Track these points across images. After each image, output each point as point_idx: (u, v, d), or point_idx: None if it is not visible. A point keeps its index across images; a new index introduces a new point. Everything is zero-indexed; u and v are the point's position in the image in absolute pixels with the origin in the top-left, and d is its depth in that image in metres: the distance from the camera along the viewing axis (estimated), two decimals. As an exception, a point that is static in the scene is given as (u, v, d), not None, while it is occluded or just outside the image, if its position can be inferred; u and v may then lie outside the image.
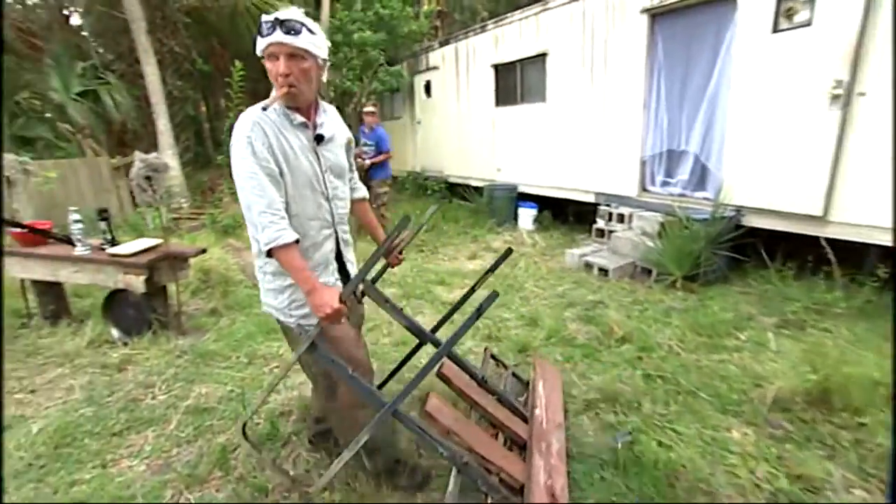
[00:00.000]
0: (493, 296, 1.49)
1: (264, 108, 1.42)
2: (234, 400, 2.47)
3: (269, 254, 1.40)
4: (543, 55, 6.10)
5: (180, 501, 1.83)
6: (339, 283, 1.66)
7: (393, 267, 1.95)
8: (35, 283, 3.40)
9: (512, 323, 3.40)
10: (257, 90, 11.33)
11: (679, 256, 4.00)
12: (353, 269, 1.75)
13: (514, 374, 2.54)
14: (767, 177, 3.91)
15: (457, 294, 3.91)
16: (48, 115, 7.34)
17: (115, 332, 3.19)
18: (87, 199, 6.66)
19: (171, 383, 2.64)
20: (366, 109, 6.10)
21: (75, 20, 9.05)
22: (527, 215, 6.32)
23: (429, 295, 3.93)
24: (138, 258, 3.01)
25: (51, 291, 3.47)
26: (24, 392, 2.72)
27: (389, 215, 6.20)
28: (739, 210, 4.15)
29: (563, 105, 5.96)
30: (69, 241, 3.17)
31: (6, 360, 3.05)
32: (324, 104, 1.63)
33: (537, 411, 2.12)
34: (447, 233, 6.17)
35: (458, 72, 7.94)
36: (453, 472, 1.65)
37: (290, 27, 1.37)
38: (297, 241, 1.43)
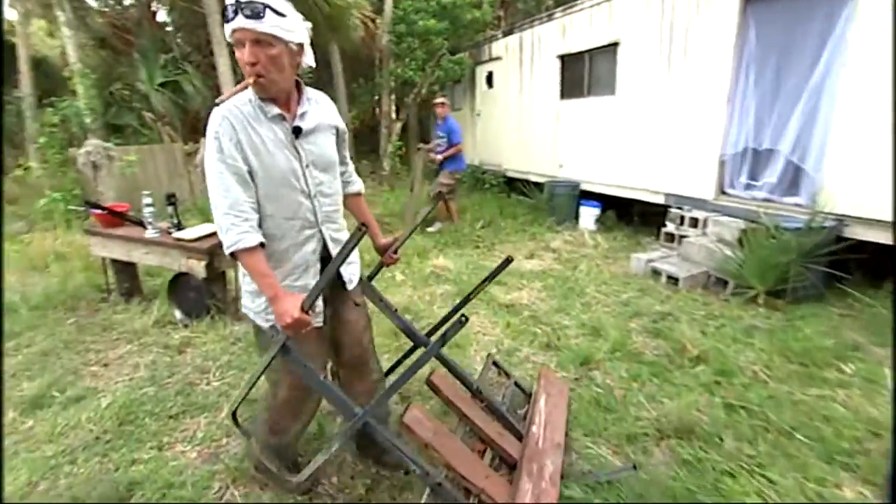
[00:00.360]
0: (461, 322, 1.41)
1: (250, 100, 1.35)
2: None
3: (233, 256, 1.33)
4: (615, 45, 5.71)
5: (225, 496, 1.82)
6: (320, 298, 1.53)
7: (387, 266, 1.85)
8: (113, 261, 3.60)
9: (572, 331, 3.18)
10: (321, 80, 11.66)
11: (762, 269, 3.57)
12: (346, 270, 1.62)
13: (517, 384, 2.34)
14: (881, 182, 3.39)
15: (515, 295, 3.73)
16: (136, 104, 7.85)
17: (177, 314, 3.32)
18: (163, 182, 7.07)
19: (224, 370, 2.68)
20: (436, 100, 6.00)
21: (161, 16, 9.63)
22: (589, 215, 5.98)
23: (485, 295, 3.77)
24: (200, 243, 3.09)
25: (126, 270, 3.67)
26: (98, 365, 2.88)
27: (455, 206, 6.19)
28: (842, 220, 3.64)
29: (634, 98, 5.55)
30: (142, 224, 3.32)
31: (87, 332, 3.25)
32: (310, 92, 1.51)
33: (534, 428, 1.92)
34: (504, 229, 5.96)
35: (522, 62, 7.65)
36: (426, 491, 1.48)
37: (252, 10, 1.23)
38: (261, 245, 1.35)
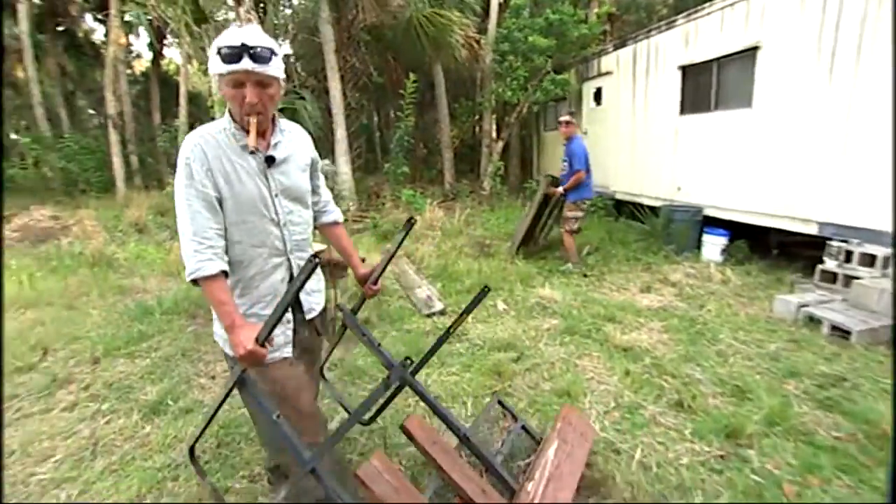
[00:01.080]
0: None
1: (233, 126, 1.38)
2: (375, 433, 2.28)
3: (195, 283, 1.31)
4: (753, 49, 4.96)
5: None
6: (290, 315, 1.52)
7: (369, 298, 1.79)
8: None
9: (707, 388, 2.63)
10: (423, 100, 12.00)
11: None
12: (309, 300, 1.60)
13: (524, 429, 2.03)
14: None
15: (632, 336, 3.23)
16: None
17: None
18: (278, 199, 7.61)
19: (319, 399, 2.58)
20: (560, 118, 5.21)
21: (286, 48, 10.61)
22: (715, 244, 5.19)
23: (597, 333, 3.33)
24: (306, 263, 3.08)
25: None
26: (206, 377, 2.97)
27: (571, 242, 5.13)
28: None
29: (778, 110, 4.74)
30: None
31: (201, 342, 3.42)
32: (283, 123, 1.50)
33: (530, 485, 1.61)
34: (615, 257, 5.39)
35: (636, 76, 7.06)
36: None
37: (259, 56, 1.28)
38: (224, 273, 1.33)
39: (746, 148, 5.11)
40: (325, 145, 9.08)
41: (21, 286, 4.67)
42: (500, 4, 10.05)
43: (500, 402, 2.15)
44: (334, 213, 1.78)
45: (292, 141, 1.52)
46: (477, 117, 11.98)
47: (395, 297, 4.33)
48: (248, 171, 1.40)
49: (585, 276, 4.82)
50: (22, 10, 11.82)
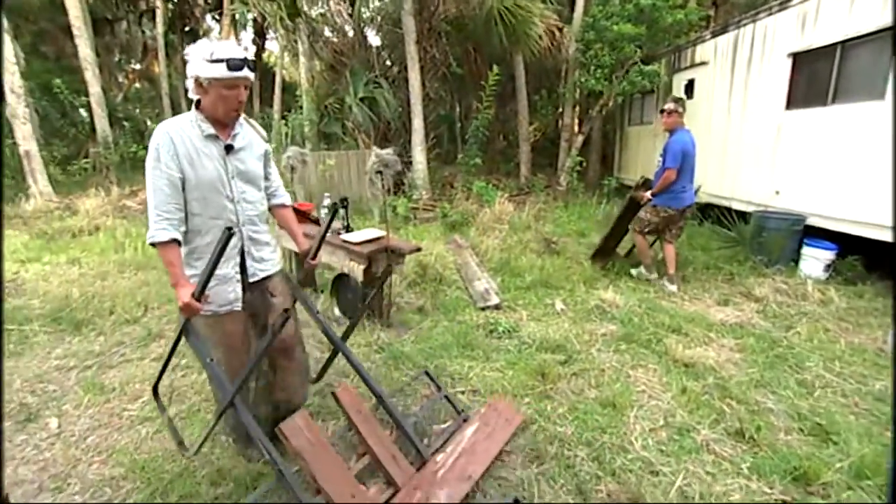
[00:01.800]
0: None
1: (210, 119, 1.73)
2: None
3: (153, 245, 1.63)
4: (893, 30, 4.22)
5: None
6: (237, 276, 1.82)
7: (308, 269, 2.07)
8: (294, 253, 4.05)
9: (780, 420, 2.33)
10: (504, 92, 11.83)
11: None
12: (256, 267, 1.88)
13: (447, 398, 2.24)
14: None
15: (697, 352, 2.95)
16: (341, 116, 9.09)
17: (336, 311, 3.53)
18: (353, 184, 7.97)
19: (358, 380, 2.67)
20: (664, 106, 4.40)
21: (371, 39, 11.00)
22: (818, 258, 4.55)
23: (657, 345, 3.10)
24: (362, 247, 3.20)
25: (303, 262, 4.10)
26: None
27: (645, 249, 4.54)
28: None
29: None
30: (318, 223, 3.63)
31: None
32: (242, 118, 1.82)
33: (440, 457, 1.87)
34: (692, 263, 4.95)
35: (735, 66, 6.36)
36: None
37: (250, 65, 1.66)
38: (175, 241, 1.63)
39: (873, 148, 4.40)
40: (401, 134, 9.31)
41: (136, 252, 5.41)
42: (588, -10, 9.56)
43: (426, 373, 2.37)
44: (283, 197, 2.08)
45: (248, 133, 1.85)
46: (559, 110, 11.57)
47: (453, 288, 4.35)
48: (210, 155, 1.71)
49: (649, 281, 4.49)
50: (159, 14, 13.45)
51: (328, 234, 3.42)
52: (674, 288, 4.27)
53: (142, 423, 2.39)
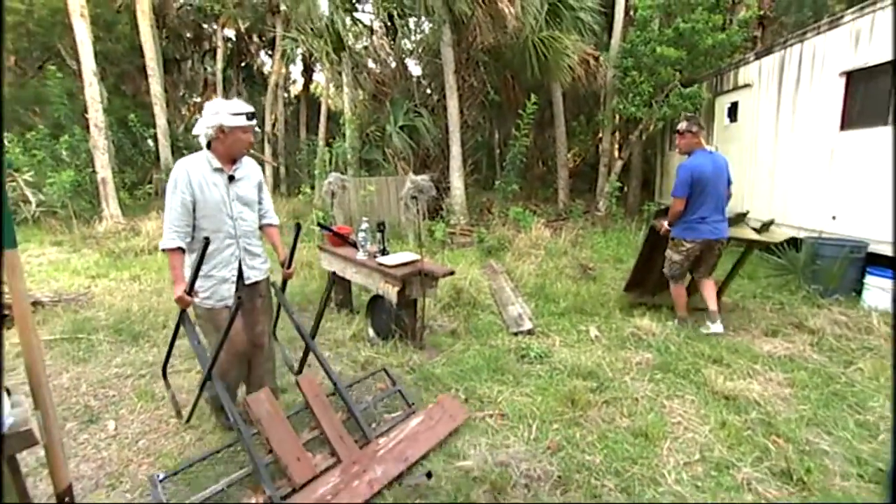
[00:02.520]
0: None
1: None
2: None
3: (164, 251, 2.18)
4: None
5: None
6: (234, 279, 2.32)
7: (287, 279, 2.61)
8: (334, 274, 4.21)
9: (835, 463, 2.16)
10: (542, 118, 11.93)
11: None
12: (250, 273, 2.37)
13: (400, 393, 2.59)
14: None
15: (739, 385, 2.80)
16: (382, 143, 9.45)
17: (370, 332, 3.62)
18: (392, 209, 8.20)
19: (388, 401, 2.72)
20: (679, 126, 3.79)
21: (412, 69, 11.46)
22: (884, 289, 4.23)
23: (695, 375, 2.97)
24: (397, 270, 3.30)
25: (342, 284, 4.25)
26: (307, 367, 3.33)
27: (680, 294, 3.94)
28: None
29: None
30: (356, 246, 3.77)
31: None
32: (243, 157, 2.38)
33: (382, 440, 2.20)
34: (738, 292, 4.73)
35: (782, 87, 6.16)
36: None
37: (255, 117, 2.26)
38: (180, 249, 2.17)
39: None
40: (440, 160, 9.54)
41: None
42: (624, 17, 9.61)
43: (384, 370, 2.76)
44: (271, 219, 2.56)
45: (245, 167, 2.36)
46: (598, 135, 11.53)
47: (486, 312, 4.36)
48: (217, 184, 2.24)
49: (698, 308, 4.31)
50: (219, 53, 14.65)
51: (366, 258, 3.58)
52: (718, 328, 3.66)
53: (185, 431, 2.54)
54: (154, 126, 10.79)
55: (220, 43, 14.59)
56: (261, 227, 2.51)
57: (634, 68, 8.46)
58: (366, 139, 9.53)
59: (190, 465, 2.10)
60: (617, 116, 9.93)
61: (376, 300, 3.61)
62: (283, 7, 12.24)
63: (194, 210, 2.19)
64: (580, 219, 9.11)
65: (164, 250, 2.16)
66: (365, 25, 10.09)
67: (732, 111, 7.44)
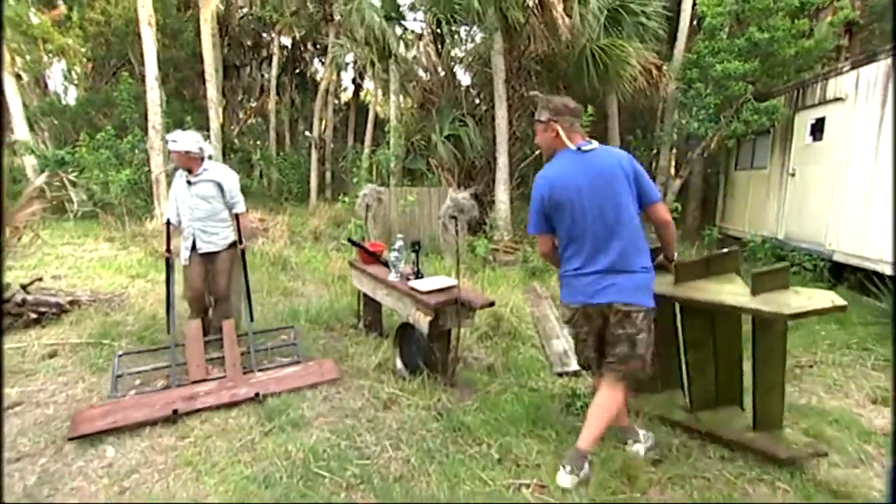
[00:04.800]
0: None
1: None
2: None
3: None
4: None
5: None
6: (190, 247, 3.53)
7: (244, 250, 3.68)
8: (364, 294, 3.92)
9: None
10: (594, 132, 11.32)
11: None
12: (205, 246, 3.51)
13: (295, 344, 3.55)
14: None
15: (851, 475, 2.22)
16: (426, 152, 9.22)
17: (398, 363, 3.27)
18: (433, 222, 7.91)
19: (410, 452, 2.35)
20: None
21: (461, 78, 11.22)
22: None
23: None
24: (430, 297, 2.94)
25: (372, 305, 3.95)
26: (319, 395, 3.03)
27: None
28: None
29: None
30: (388, 266, 3.46)
31: (329, 354, 3.56)
32: (207, 163, 3.51)
33: (260, 373, 3.13)
34: (826, 339, 4.04)
35: (886, 100, 5.36)
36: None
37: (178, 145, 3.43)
38: (169, 222, 3.54)
39: None
40: (485, 172, 9.19)
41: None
42: (690, 26, 8.93)
43: (292, 327, 3.77)
44: (236, 207, 3.58)
45: (209, 172, 3.47)
46: (654, 152, 10.82)
47: (528, 345, 3.93)
48: (185, 186, 3.46)
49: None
50: (275, 60, 15.06)
51: (397, 280, 3.25)
52: (639, 448, 2.34)
53: (178, 469, 2.27)
54: (208, 129, 11.10)
55: (276, 50, 15.00)
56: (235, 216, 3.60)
57: (699, 80, 7.78)
58: (410, 148, 9.34)
59: (138, 351, 3.47)
60: (676, 132, 9.22)
61: (406, 328, 3.27)
62: (336, 16, 12.38)
63: (177, 202, 3.56)
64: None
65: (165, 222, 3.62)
66: (414, 34, 9.97)
67: (817, 128, 6.63)
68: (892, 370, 2.10)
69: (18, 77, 11.16)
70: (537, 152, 13.50)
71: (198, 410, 2.70)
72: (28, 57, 11.71)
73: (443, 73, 9.69)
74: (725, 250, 2.48)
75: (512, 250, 7.26)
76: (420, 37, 9.33)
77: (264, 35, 16.78)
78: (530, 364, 3.53)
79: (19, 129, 10.67)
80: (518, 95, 8.97)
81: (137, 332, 3.90)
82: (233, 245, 3.59)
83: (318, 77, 17.61)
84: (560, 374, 3.41)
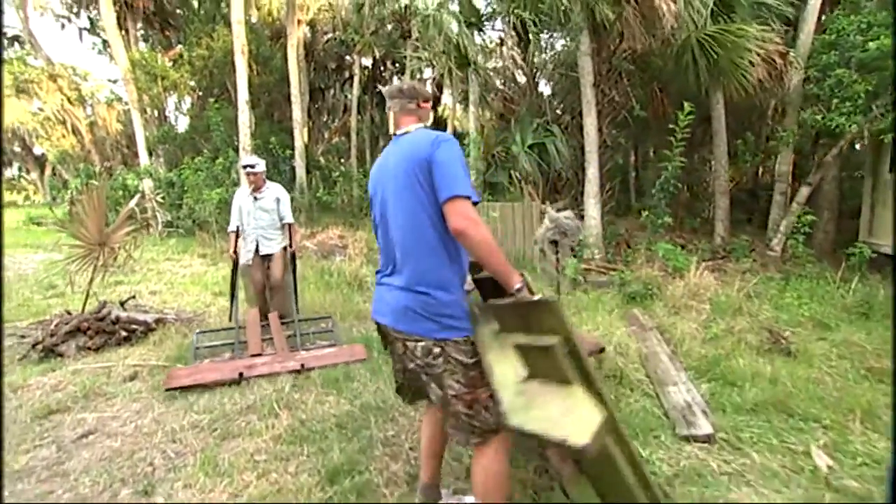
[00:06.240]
0: None
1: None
2: None
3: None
4: None
5: None
6: (254, 249, 4.34)
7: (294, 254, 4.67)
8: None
9: None
10: (692, 136, 10.09)
11: None
12: (265, 248, 4.36)
13: (333, 332, 4.38)
14: None
15: None
16: (507, 165, 8.71)
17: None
18: (518, 239, 7.35)
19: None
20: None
21: (542, 87, 10.61)
22: None
23: None
24: (522, 338, 2.40)
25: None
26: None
27: None
28: None
29: None
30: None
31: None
32: (268, 184, 4.40)
33: (303, 352, 3.86)
34: None
35: None
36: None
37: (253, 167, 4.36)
38: (234, 233, 4.41)
39: None
40: (573, 185, 8.46)
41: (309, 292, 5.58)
42: (822, 2, 7.52)
43: (329, 317, 4.72)
44: (287, 218, 4.48)
45: (269, 190, 4.34)
46: (764, 156, 9.36)
47: (638, 392, 3.21)
48: (250, 199, 4.31)
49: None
50: (356, 80, 15.54)
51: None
52: None
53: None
54: (293, 148, 11.56)
55: (357, 71, 15.46)
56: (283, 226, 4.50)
57: (838, 65, 6.47)
58: (491, 161, 8.88)
59: (212, 330, 4.40)
60: (799, 131, 7.82)
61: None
62: (414, 33, 12.42)
63: (240, 213, 4.37)
64: (746, 260, 7.24)
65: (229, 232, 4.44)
66: (494, 42, 9.58)
67: None
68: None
69: (144, 111, 12.47)
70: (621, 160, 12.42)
71: (256, 376, 3.44)
72: (153, 92, 13.12)
73: (524, 80, 9.16)
74: (537, 298, 1.57)
75: (605, 271, 6.45)
76: (501, 42, 8.90)
77: (346, 58, 17.45)
78: (644, 420, 2.82)
79: (142, 156, 11.89)
80: (608, 100, 8.18)
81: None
82: (284, 249, 4.50)
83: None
84: (685, 438, 2.67)
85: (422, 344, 1.65)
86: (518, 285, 1.57)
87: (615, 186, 10.92)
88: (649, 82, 8.71)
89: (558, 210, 7.97)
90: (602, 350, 2.42)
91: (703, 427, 2.70)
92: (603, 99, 8.08)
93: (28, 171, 17.11)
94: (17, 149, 16.76)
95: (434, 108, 14.89)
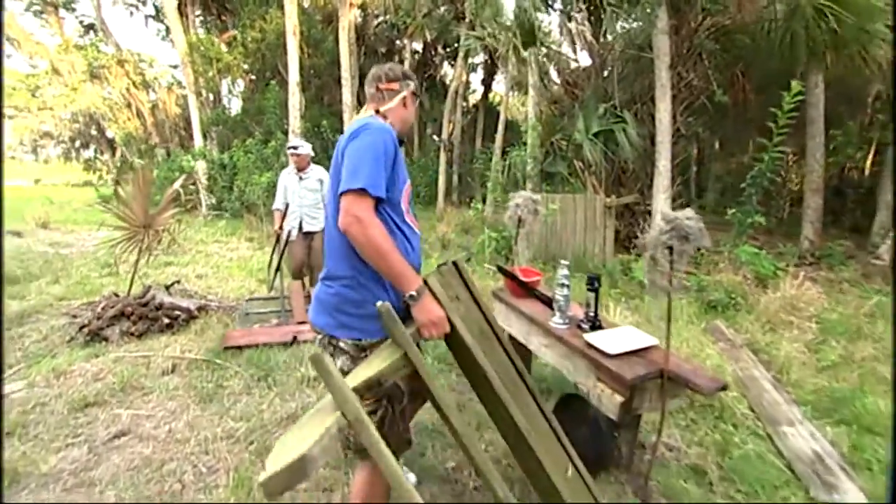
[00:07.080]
0: None
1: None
2: None
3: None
4: None
5: None
6: (298, 225, 4.23)
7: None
8: (511, 337, 3.00)
9: None
10: (797, 129, 8.98)
11: None
12: (308, 225, 4.26)
13: None
14: None
15: None
16: (569, 153, 8.05)
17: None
18: (578, 234, 6.74)
19: None
20: None
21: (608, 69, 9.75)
22: None
23: None
24: (622, 365, 1.90)
25: (520, 351, 3.00)
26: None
27: None
28: None
29: None
30: (550, 304, 2.49)
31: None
32: (312, 165, 4.34)
33: None
34: None
35: None
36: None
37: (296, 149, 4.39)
38: (278, 210, 4.37)
39: None
40: (638, 177, 7.71)
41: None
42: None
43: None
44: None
45: (312, 170, 4.29)
46: (863, 149, 8.18)
47: (743, 428, 2.64)
48: (296, 179, 4.26)
49: None
50: (406, 64, 15.14)
51: (565, 328, 2.27)
52: None
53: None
54: (342, 131, 11.33)
55: (407, 55, 15.06)
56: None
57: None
58: (549, 149, 8.24)
59: (260, 298, 4.93)
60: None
61: (571, 402, 2.27)
62: (468, 15, 11.82)
63: (286, 191, 4.34)
64: (842, 268, 6.31)
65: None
66: (561, 16, 8.83)
67: None
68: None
69: (199, 94, 12.63)
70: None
71: (305, 341, 3.74)
72: (209, 75, 13.26)
73: (591, 61, 8.40)
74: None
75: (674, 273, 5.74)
76: (569, 18, 8.15)
77: (397, 42, 17.07)
78: (763, 473, 2.26)
79: (196, 139, 12.05)
80: (685, 84, 7.32)
81: (248, 356, 3.50)
82: None
83: (447, 80, 17.43)
84: (825, 504, 2.09)
85: (320, 337, 1.60)
86: (413, 292, 1.40)
87: (687, 180, 9.99)
88: (733, 64, 7.74)
89: (635, 204, 7.29)
90: (725, 388, 1.88)
91: (851, 494, 2.11)
92: (679, 83, 7.24)
93: (102, 153, 18.03)
94: (93, 132, 17.62)
95: (485, 95, 14.27)
